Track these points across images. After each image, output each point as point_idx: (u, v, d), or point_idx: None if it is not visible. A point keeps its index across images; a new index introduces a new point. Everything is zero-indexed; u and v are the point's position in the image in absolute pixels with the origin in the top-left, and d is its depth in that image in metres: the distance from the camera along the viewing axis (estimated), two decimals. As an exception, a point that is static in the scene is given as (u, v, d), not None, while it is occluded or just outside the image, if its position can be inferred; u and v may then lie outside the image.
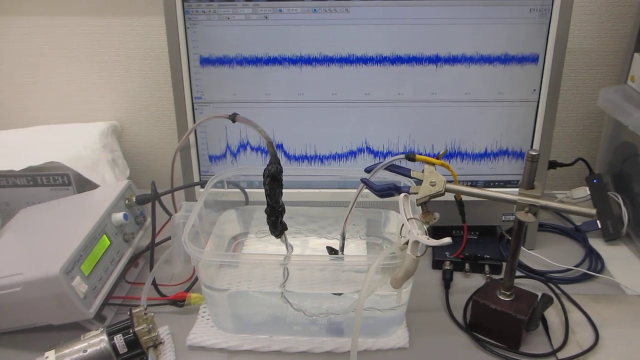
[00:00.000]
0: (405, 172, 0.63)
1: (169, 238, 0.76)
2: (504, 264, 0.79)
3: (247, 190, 0.80)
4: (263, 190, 0.57)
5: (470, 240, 0.81)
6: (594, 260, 0.81)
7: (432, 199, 0.61)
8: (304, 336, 0.67)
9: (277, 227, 0.57)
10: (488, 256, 0.78)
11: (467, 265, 0.78)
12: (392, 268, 0.59)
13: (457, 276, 0.78)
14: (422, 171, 0.62)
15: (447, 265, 0.78)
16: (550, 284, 0.74)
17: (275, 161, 0.57)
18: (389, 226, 0.78)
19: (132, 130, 1.09)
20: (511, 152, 0.79)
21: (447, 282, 0.75)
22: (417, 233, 0.57)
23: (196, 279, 0.76)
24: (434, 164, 0.62)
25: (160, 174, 1.08)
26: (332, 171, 0.81)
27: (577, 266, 0.79)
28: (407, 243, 0.58)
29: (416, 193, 0.61)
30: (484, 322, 0.66)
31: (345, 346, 0.65)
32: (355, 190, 0.67)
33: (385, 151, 0.80)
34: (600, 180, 0.89)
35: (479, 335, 0.67)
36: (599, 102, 0.89)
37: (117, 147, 1.02)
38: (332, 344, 0.66)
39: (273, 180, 0.56)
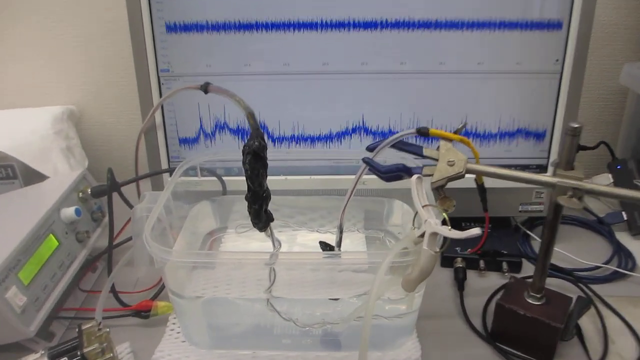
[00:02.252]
0: (416, 150, 0.52)
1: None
2: (524, 260, 0.69)
3: (224, 178, 0.68)
4: (243, 179, 0.46)
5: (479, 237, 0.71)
6: (624, 257, 0.71)
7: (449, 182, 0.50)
8: (294, 351, 0.56)
9: (261, 218, 0.45)
10: (506, 252, 0.68)
11: (481, 263, 0.68)
12: (403, 267, 0.48)
13: (471, 275, 0.67)
14: (437, 149, 0.51)
15: (459, 263, 0.67)
16: (581, 285, 0.64)
17: (257, 135, 0.45)
18: (392, 218, 0.66)
19: (93, 116, 0.96)
20: (530, 131, 0.69)
21: (460, 282, 0.65)
22: (436, 223, 0.46)
23: (164, 285, 0.63)
24: (451, 140, 0.51)
25: (124, 166, 0.95)
26: (323, 154, 0.69)
27: (605, 263, 0.69)
28: (422, 236, 0.47)
29: (431, 175, 0.50)
30: (509, 330, 0.56)
31: (344, 362, 0.54)
32: (351, 177, 0.55)
33: (384, 131, 0.69)
34: (625, 166, 0.79)
35: (504, 347, 0.56)
36: (621, 78, 0.80)
37: (73, 134, 0.88)
38: (329, 360, 0.55)
39: (255, 159, 0.44)
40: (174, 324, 0.60)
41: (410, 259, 0.47)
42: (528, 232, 0.75)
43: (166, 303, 0.61)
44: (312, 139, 0.69)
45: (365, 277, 0.58)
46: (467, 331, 0.59)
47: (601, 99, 0.93)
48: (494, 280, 0.67)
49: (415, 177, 0.49)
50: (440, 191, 0.50)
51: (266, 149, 0.46)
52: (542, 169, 0.71)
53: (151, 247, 0.48)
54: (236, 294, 0.55)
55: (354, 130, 0.69)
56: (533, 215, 0.75)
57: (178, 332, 0.58)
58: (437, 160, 0.51)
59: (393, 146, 0.53)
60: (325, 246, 0.58)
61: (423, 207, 0.47)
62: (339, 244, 0.57)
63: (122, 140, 0.97)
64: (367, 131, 0.69)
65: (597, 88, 0.91)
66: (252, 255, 0.47)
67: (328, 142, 0.69)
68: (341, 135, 0.69)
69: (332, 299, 0.55)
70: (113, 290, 0.62)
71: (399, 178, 0.52)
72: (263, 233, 0.52)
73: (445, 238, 0.46)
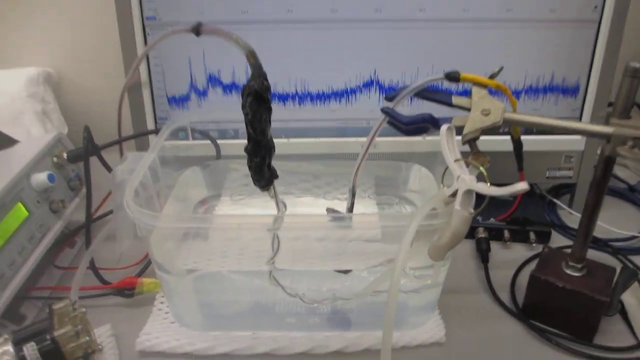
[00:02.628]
0: (444, 99, 0.45)
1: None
2: (552, 231, 0.62)
3: (219, 141, 0.61)
4: (239, 142, 0.39)
5: (505, 202, 0.64)
6: (660, 225, 0.64)
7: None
8: (299, 331, 0.49)
9: (264, 174, 0.38)
10: (532, 221, 0.61)
11: (506, 233, 0.61)
12: (430, 232, 0.41)
13: (494, 247, 0.60)
14: (469, 96, 0.44)
15: (482, 233, 0.60)
16: (620, 256, 0.57)
17: (259, 75, 0.37)
18: (409, 184, 0.59)
19: (75, 81, 0.87)
20: (561, 87, 0.62)
21: (484, 254, 0.58)
22: (471, 179, 0.39)
23: (150, 260, 0.56)
24: (486, 86, 0.44)
25: (107, 133, 0.86)
26: (330, 114, 0.62)
27: (642, 232, 0.63)
28: (454, 195, 0.40)
29: (462, 127, 0.43)
30: (545, 305, 0.49)
31: (359, 343, 0.47)
32: (361, 139, 0.48)
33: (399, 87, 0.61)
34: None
35: (538, 324, 0.49)
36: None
37: (51, 98, 0.80)
38: (340, 341, 0.48)
39: (257, 101, 0.36)
40: (161, 303, 0.52)
41: (440, 222, 0.40)
42: (555, 200, 0.68)
43: (153, 280, 0.53)
44: (318, 97, 0.62)
45: (379, 247, 0.51)
46: (495, 307, 0.52)
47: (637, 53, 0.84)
48: (521, 252, 0.60)
49: (445, 126, 0.41)
50: (472, 145, 0.43)
51: (270, 91, 0.38)
52: (572, 130, 0.63)
53: (133, 213, 0.41)
54: (233, 267, 0.48)
55: (364, 86, 0.61)
56: (561, 182, 0.68)
57: (167, 312, 0.51)
58: (469, 109, 0.44)
59: (416, 95, 0.46)
60: (332, 213, 0.51)
61: (455, 161, 0.40)
62: (350, 209, 0.50)
63: (104, 106, 0.88)
64: (379, 87, 0.61)
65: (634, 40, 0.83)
66: (253, 219, 0.40)
67: (336, 100, 0.62)
68: (350, 92, 0.62)
69: (343, 272, 0.49)
70: (92, 266, 0.54)
71: (423, 131, 0.45)
72: (263, 200, 0.45)
73: (480, 197, 0.39)
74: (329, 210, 0.52)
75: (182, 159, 0.59)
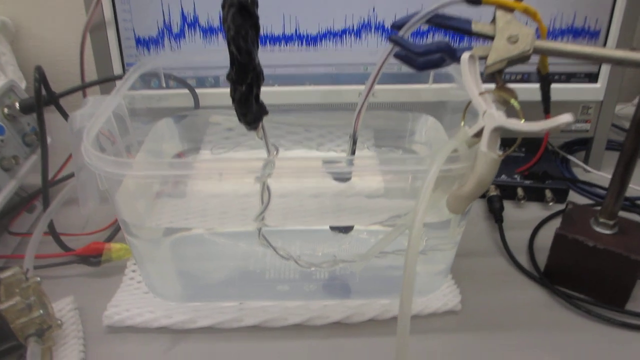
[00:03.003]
0: (462, 26, 0.38)
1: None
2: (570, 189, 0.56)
3: (197, 90, 0.53)
4: (220, 91, 0.33)
5: (515, 159, 0.58)
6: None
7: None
8: (293, 299, 0.43)
9: (251, 106, 0.31)
10: (552, 176, 0.55)
11: (519, 191, 0.55)
12: (449, 179, 0.35)
13: (506, 207, 0.54)
14: (492, 22, 0.37)
15: (494, 191, 0.54)
16: (646, 213, 0.52)
17: (243, -17, 0.30)
18: (415, 135, 0.52)
19: (33, 31, 0.78)
20: (580, 29, 0.55)
21: (497, 213, 0.52)
22: (500, 115, 0.33)
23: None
24: (512, 10, 0.37)
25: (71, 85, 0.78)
26: (322, 58, 0.55)
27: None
28: (478, 134, 0.33)
29: (484, 57, 0.36)
30: (571, 268, 0.43)
31: (363, 312, 0.41)
32: (357, 87, 0.41)
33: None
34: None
35: (564, 289, 0.44)
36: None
37: (5, 49, 0.71)
38: (341, 310, 0.41)
39: (241, 14, 0.29)
40: (133, 271, 0.46)
41: (461, 166, 0.33)
42: (569, 156, 0.62)
43: (122, 245, 0.46)
44: (308, 39, 0.54)
45: (381, 204, 0.45)
46: (513, 271, 0.47)
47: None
48: (535, 211, 0.54)
49: (466, 54, 0.35)
50: (497, 78, 0.36)
51: (257, 5, 0.31)
52: (591, 77, 0.57)
53: (92, 160, 0.34)
54: (215, 226, 0.41)
55: (363, 27, 0.54)
56: (576, 136, 0.63)
57: (139, 282, 0.44)
58: (492, 37, 0.37)
59: (428, 22, 0.39)
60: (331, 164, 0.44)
61: (480, 94, 0.34)
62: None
63: (67, 58, 0.79)
64: (378, 28, 0.54)
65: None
66: (239, 164, 0.33)
67: (329, 41, 0.55)
68: (345, 33, 0.54)
69: (342, 231, 0.42)
70: (52, 231, 0.47)
71: (438, 64, 0.38)
72: (249, 154, 0.39)
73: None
74: (326, 162, 0.45)
75: (155, 111, 0.52)
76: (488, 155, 0.32)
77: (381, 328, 0.41)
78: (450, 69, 0.46)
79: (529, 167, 0.53)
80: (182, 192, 0.44)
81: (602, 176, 0.60)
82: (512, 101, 0.33)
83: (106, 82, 0.53)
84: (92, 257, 0.46)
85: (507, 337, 0.40)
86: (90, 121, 0.37)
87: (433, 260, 0.42)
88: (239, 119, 0.32)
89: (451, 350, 0.39)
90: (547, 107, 0.42)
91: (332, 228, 0.43)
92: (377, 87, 0.41)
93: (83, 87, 0.51)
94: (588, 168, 0.60)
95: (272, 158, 0.33)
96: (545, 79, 0.41)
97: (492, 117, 0.32)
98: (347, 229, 0.43)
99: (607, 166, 0.61)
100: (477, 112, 0.34)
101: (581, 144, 0.65)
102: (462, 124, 0.35)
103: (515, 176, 0.56)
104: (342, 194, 0.44)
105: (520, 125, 0.32)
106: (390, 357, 0.39)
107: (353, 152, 0.42)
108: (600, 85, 0.57)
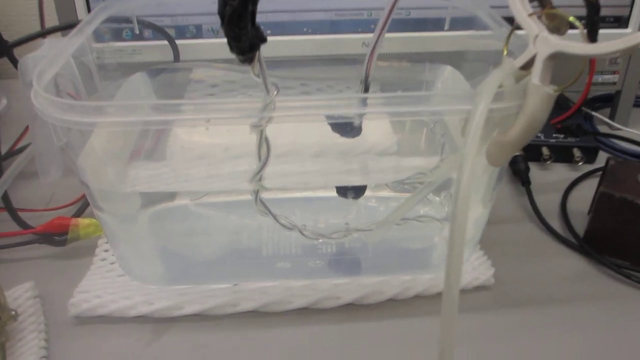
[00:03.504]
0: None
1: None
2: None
3: (177, 41, 0.46)
4: (203, 42, 0.28)
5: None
6: None
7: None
8: (297, 279, 0.36)
9: (245, 31, 0.24)
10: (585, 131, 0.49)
11: (544, 151, 0.49)
12: (490, 123, 0.28)
13: (530, 169, 0.48)
14: None
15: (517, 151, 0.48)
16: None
17: None
18: (433, 89, 0.45)
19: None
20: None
21: (523, 175, 0.46)
22: (557, 38, 0.26)
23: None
24: None
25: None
26: (320, 1, 0.47)
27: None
28: (527, 66, 0.27)
29: (525, -26, 0.30)
30: (618, 232, 0.38)
31: (381, 291, 0.35)
32: (361, 36, 0.34)
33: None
34: None
35: (608, 257, 0.38)
36: None
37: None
38: (354, 290, 0.35)
39: None
40: (105, 251, 0.39)
41: (508, 105, 0.27)
42: (593, 113, 0.56)
43: (92, 220, 0.39)
44: (304, -21, 0.47)
45: (396, 162, 0.39)
46: (546, 238, 0.41)
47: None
48: (563, 173, 0.48)
49: (510, -32, 0.28)
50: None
51: None
52: (621, 22, 0.51)
53: (43, 106, 0.26)
54: (202, 190, 0.34)
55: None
56: (602, 91, 0.57)
57: (112, 263, 0.37)
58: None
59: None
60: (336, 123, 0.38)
61: (529, 16, 0.27)
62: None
63: (22, 2, 0.70)
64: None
65: None
66: (232, 105, 0.26)
67: (327, -18, 0.47)
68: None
69: (351, 195, 0.36)
70: (8, 205, 0.40)
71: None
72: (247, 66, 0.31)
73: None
74: (329, 117, 0.38)
75: (128, 66, 0.44)
76: (542, 89, 0.26)
77: (403, 308, 0.35)
78: (472, 9, 0.39)
79: (564, 120, 0.47)
80: (162, 154, 0.37)
81: (631, 132, 0.54)
82: (572, 19, 0.27)
83: (69, 28, 0.45)
84: (56, 236, 0.39)
85: (548, 314, 0.35)
86: (43, 62, 0.30)
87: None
88: (230, 48, 0.25)
89: (487, 330, 0.34)
90: (594, 38, 0.36)
91: (340, 192, 0.36)
92: (386, 34, 0.35)
93: (41, 35, 0.43)
94: (615, 124, 0.55)
95: (272, 98, 0.26)
96: (593, 6, 0.34)
97: (547, 41, 0.26)
98: (357, 193, 0.36)
99: (634, 123, 0.55)
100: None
101: (604, 101, 0.59)
102: (505, 52, 0.28)
103: (539, 135, 0.50)
104: (350, 152, 0.38)
105: (585, 48, 0.25)
106: (415, 341, 0.33)
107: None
108: (631, 30, 0.51)
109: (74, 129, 0.29)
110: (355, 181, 0.35)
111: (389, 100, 0.27)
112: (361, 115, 0.29)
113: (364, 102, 0.28)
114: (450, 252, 0.24)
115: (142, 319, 0.34)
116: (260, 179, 0.29)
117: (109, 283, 0.36)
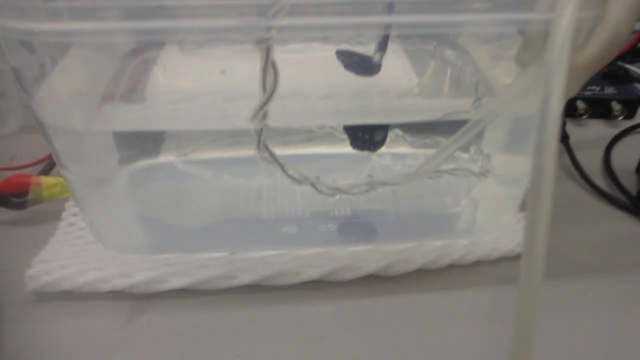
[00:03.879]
0: None
1: None
2: None
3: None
4: None
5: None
6: None
7: None
8: (305, 247, 0.30)
9: None
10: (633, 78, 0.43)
11: (579, 104, 0.43)
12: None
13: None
14: None
15: (552, 104, 0.42)
16: None
17: None
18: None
19: None
20: None
21: (560, 130, 0.40)
22: None
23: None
24: None
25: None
26: None
27: None
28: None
29: None
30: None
31: (408, 258, 0.29)
32: None
33: None
34: None
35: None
36: None
37: None
38: (377, 258, 0.29)
39: None
40: (74, 215, 0.32)
41: (589, 15, 0.21)
42: (627, 66, 0.50)
43: (58, 179, 0.33)
44: None
45: (419, 104, 0.33)
46: (592, 199, 0.35)
47: None
48: (601, 129, 0.43)
49: None
50: None
51: None
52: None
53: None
54: (191, 128, 0.28)
55: None
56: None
57: (82, 229, 0.31)
58: None
59: None
60: (345, 55, 0.31)
61: None
62: (383, 45, 0.30)
63: None
64: None
65: None
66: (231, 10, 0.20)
67: None
68: None
69: (368, 147, 0.30)
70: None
71: None
72: (232, 50, 0.26)
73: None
74: (340, 53, 0.32)
75: None
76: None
77: (435, 281, 0.29)
78: None
79: (612, 62, 0.41)
80: (141, 95, 0.30)
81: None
82: None
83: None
84: (14, 197, 0.32)
85: (605, 285, 0.29)
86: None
87: (504, 182, 0.30)
88: None
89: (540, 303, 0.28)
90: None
91: (355, 144, 0.30)
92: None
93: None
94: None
95: (282, 4, 0.19)
96: None
97: None
98: (376, 144, 0.30)
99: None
100: None
101: (636, 55, 0.53)
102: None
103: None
104: (366, 93, 0.32)
105: None
106: (452, 318, 0.27)
107: (383, 47, 0.29)
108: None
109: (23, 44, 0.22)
110: (374, 120, 0.29)
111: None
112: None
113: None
114: (533, 198, 0.18)
115: (117, 295, 0.28)
116: (264, 116, 0.23)
117: (76, 252, 0.29)
